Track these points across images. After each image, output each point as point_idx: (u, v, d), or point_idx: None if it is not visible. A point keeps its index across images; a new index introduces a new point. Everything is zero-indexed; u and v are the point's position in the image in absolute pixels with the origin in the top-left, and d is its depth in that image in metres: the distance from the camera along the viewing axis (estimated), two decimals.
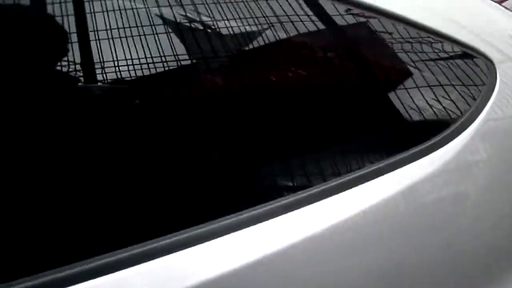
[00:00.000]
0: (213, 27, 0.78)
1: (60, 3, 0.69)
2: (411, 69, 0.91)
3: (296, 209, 0.68)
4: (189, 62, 0.76)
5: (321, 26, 0.88)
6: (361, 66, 0.91)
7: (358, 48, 0.93)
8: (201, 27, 0.77)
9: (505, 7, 1.13)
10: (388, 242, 0.74)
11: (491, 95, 0.89)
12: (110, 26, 0.70)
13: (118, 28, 0.70)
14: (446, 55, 0.91)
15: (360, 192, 0.72)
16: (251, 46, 0.80)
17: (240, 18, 0.78)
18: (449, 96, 0.88)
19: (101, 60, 0.69)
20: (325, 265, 0.69)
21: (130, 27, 0.70)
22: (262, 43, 0.79)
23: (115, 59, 0.69)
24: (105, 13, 0.70)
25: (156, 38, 0.72)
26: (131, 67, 0.70)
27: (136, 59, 0.70)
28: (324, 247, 0.68)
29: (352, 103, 0.84)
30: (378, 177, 0.73)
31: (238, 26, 0.78)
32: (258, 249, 0.64)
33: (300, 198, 0.69)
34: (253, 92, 0.77)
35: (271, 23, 0.80)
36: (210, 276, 0.61)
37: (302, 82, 0.82)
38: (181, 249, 0.61)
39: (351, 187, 0.72)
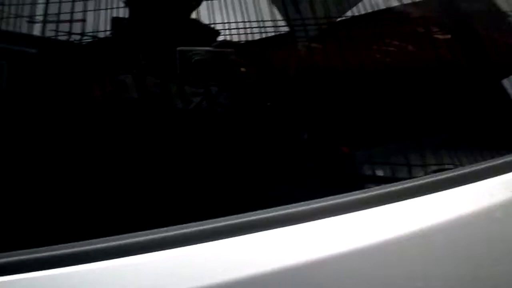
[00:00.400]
0: None
1: None
2: None
3: (385, 204, 0.63)
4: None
5: None
6: (472, 46, 0.82)
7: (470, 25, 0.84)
8: None
9: None
10: (472, 250, 0.68)
11: None
12: None
13: None
14: None
15: (455, 195, 0.66)
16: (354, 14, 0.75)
17: None
18: None
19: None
20: (410, 265, 0.65)
21: None
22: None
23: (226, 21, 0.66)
24: None
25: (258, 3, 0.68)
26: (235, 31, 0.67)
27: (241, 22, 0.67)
28: (412, 246, 0.64)
29: (457, 89, 0.77)
30: (477, 181, 0.67)
31: None
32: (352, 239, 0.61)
33: (394, 191, 0.64)
34: (354, 69, 0.73)
35: None
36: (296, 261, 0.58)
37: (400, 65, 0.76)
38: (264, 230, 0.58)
39: (446, 188, 0.66)
